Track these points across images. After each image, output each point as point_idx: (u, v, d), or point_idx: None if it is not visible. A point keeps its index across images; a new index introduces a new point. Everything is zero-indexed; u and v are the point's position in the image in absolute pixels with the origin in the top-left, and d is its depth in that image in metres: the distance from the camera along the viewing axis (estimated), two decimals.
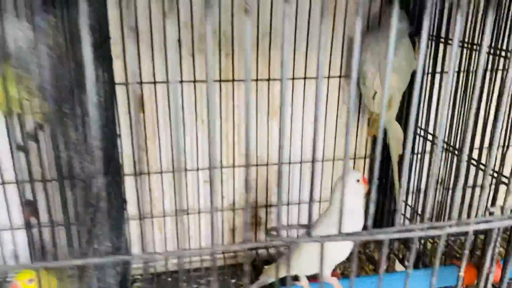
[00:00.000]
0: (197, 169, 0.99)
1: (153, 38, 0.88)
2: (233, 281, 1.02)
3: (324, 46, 0.34)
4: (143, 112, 0.93)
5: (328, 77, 0.98)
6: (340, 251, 0.75)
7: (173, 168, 0.97)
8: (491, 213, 0.40)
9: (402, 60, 0.86)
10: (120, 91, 0.90)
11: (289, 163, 1.02)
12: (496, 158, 0.78)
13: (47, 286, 0.71)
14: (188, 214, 1.02)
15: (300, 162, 1.03)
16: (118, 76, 0.89)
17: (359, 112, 1.03)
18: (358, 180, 0.77)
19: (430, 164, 0.92)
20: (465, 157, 0.37)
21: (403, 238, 1.07)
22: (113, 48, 0.87)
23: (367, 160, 1.09)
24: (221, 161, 0.99)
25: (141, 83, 0.90)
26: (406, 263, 1.01)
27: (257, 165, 1.01)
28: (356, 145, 1.06)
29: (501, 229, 0.40)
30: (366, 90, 0.90)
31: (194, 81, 0.92)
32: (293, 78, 0.96)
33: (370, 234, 0.36)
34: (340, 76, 0.99)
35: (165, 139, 0.95)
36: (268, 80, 0.95)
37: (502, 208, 0.39)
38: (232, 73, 0.93)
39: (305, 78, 0.96)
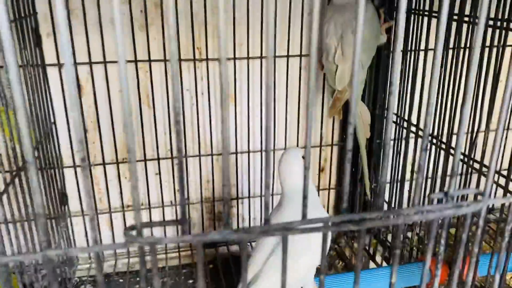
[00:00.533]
0: (145, 160, 0.90)
1: (86, 15, 0.78)
2: (190, 281, 0.93)
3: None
4: (80, 98, 0.84)
5: (288, 56, 0.88)
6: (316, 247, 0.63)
7: (117, 159, 0.88)
8: (435, 201, 0.31)
9: (365, 30, 0.77)
10: (53, 73, 0.80)
11: (248, 152, 0.93)
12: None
13: None
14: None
15: (261, 151, 0.94)
16: (50, 57, 0.79)
17: (323, 93, 0.93)
18: (303, 157, 0.68)
19: (405, 153, 0.83)
20: (390, 117, 0.28)
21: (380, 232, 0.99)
22: (42, 25, 0.78)
23: (335, 148, 1.00)
24: (171, 150, 0.90)
25: (75, 63, 0.81)
26: (377, 259, 0.93)
27: (212, 155, 0.92)
28: (321, 132, 0.97)
29: (446, 220, 0.31)
30: (329, 65, 0.81)
31: (136, 61, 0.82)
32: (248, 58, 0.86)
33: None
34: (300, 55, 0.89)
35: (107, 125, 0.86)
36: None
37: (446, 194, 0.30)
38: (178, 52, 0.83)
39: (261, 57, 0.87)
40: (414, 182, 0.67)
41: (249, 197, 0.98)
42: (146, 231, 0.90)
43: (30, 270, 0.77)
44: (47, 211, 0.77)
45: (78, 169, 0.86)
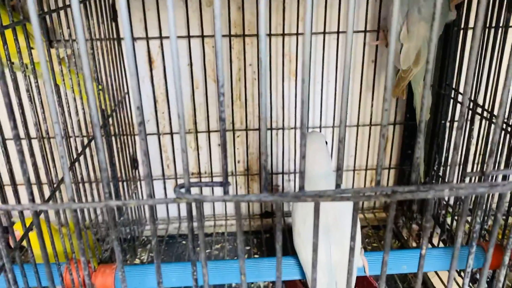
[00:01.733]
0: (208, 131, 0.94)
1: None
2: (247, 248, 0.98)
3: None
4: (151, 71, 0.89)
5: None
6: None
7: (184, 126, 0.93)
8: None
9: (432, 6, 0.74)
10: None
11: (307, 128, 0.94)
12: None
13: (45, 233, 0.71)
14: (200, 177, 0.99)
15: (320, 127, 0.95)
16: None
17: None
18: (326, 142, 0.68)
19: (469, 136, 0.79)
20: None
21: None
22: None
23: (398, 127, 0.98)
24: (233, 122, 0.94)
25: (147, 38, 0.86)
26: (433, 240, 0.91)
27: (271, 129, 0.95)
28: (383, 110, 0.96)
29: (482, 198, 0.31)
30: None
31: (202, 36, 0.86)
32: (312, 33, 0.87)
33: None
34: (365, 31, 0.88)
35: (174, 97, 0.91)
36: (283, 35, 0.87)
37: (482, 173, 0.31)
38: (242, 28, 0.86)
39: (324, 32, 0.87)
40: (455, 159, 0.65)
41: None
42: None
43: (103, 226, 0.86)
44: (119, 174, 0.85)
45: (149, 137, 0.93)
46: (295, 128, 0.95)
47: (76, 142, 0.65)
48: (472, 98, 0.77)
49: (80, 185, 0.65)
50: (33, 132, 0.56)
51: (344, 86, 0.29)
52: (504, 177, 0.59)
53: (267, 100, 0.30)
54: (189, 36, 0.86)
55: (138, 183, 0.97)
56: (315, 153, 0.66)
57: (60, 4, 0.68)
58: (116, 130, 0.82)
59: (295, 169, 0.99)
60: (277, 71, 0.90)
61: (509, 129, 0.68)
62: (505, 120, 0.70)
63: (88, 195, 0.70)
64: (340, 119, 0.30)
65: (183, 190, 0.31)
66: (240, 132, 0.96)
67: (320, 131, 0.95)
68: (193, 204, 0.32)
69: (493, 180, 0.69)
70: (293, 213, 0.65)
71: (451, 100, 0.85)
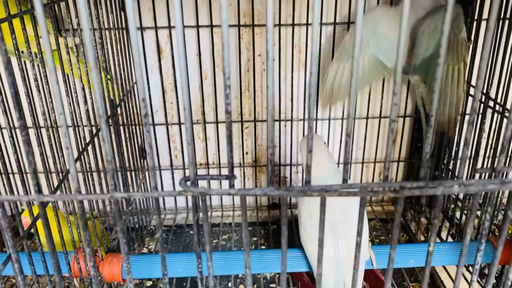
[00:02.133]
0: (217, 122, 0.94)
1: None
2: (254, 239, 0.98)
3: None
4: (159, 60, 0.89)
5: None
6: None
7: (191, 119, 0.93)
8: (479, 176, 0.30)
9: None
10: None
11: (316, 119, 0.94)
12: None
13: (53, 221, 0.71)
14: (208, 168, 0.99)
15: (329, 119, 0.95)
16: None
17: None
18: (325, 142, 0.68)
19: (481, 129, 0.78)
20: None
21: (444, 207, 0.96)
22: None
23: (407, 120, 0.97)
24: (241, 114, 0.94)
25: (155, 28, 0.86)
26: (441, 234, 0.91)
27: (279, 121, 0.94)
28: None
29: (492, 194, 0.31)
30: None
31: (211, 26, 0.85)
32: (322, 24, 0.86)
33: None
34: None
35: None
36: (293, 25, 0.86)
37: (493, 170, 0.30)
38: (252, 18, 0.85)
39: (334, 23, 0.86)
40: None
41: None
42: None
43: (111, 216, 0.86)
44: (127, 164, 0.85)
45: (157, 127, 0.93)
46: (303, 119, 0.94)
47: (84, 131, 0.65)
48: (484, 91, 0.76)
49: (89, 174, 0.66)
50: (42, 122, 0.56)
51: (353, 79, 0.28)
52: None
53: (274, 93, 0.29)
54: (198, 26, 0.85)
55: (146, 172, 0.97)
56: (317, 156, 0.65)
57: None
58: (125, 120, 0.83)
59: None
60: (286, 61, 0.89)
61: None
62: None
63: (96, 185, 0.70)
64: (348, 112, 0.30)
65: (189, 183, 0.31)
66: (248, 123, 0.96)
67: (329, 123, 0.94)
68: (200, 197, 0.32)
69: (504, 177, 0.68)
70: (299, 207, 0.65)
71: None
